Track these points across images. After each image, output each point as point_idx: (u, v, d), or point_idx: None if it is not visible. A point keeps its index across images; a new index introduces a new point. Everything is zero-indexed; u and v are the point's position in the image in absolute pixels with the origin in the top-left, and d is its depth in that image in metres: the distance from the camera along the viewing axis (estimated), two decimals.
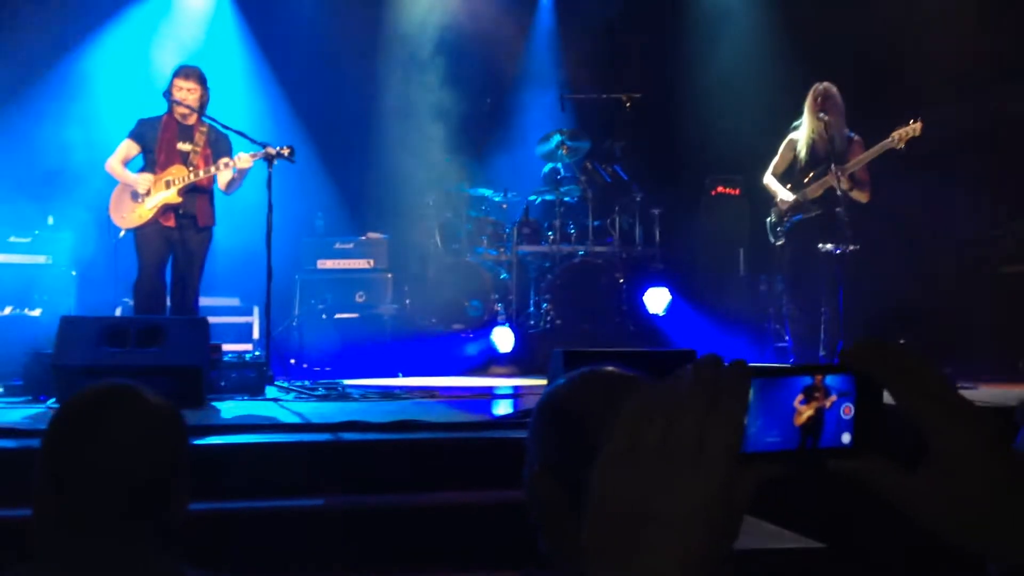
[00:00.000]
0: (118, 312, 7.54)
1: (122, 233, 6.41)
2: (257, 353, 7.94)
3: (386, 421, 3.99)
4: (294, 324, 8.35)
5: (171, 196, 6.23)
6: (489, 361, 7.96)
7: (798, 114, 6.60)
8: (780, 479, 0.67)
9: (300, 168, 7.04)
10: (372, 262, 8.68)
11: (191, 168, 6.27)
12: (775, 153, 6.75)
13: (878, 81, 7.90)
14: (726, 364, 0.65)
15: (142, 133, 6.39)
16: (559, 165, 8.96)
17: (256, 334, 8.62)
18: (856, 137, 6.46)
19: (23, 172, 8.11)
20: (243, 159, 6.14)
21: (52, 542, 1.51)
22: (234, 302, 8.76)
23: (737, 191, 9.27)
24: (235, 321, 8.63)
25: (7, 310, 7.64)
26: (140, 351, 4.86)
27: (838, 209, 6.24)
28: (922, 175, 7.03)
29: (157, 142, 6.32)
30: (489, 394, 6.04)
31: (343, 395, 5.66)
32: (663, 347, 7.31)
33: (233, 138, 6.41)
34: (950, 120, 6.93)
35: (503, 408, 5.33)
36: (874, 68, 8.03)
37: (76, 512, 1.50)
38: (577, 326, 8.07)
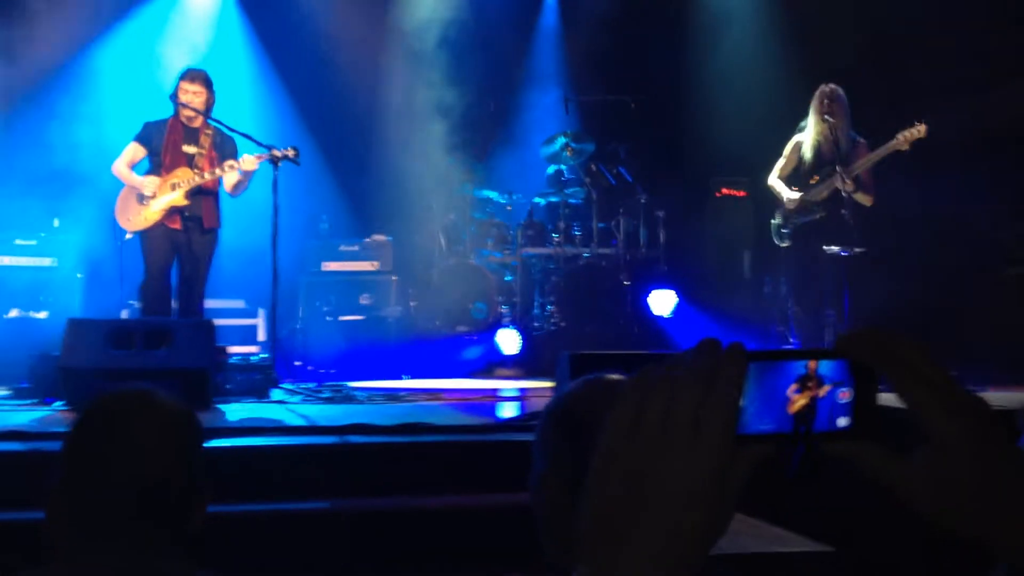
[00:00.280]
0: (124, 315, 7.55)
1: (128, 235, 6.42)
2: (263, 355, 7.94)
3: (392, 424, 4.00)
4: (299, 326, 8.37)
5: (177, 198, 6.24)
6: (494, 363, 7.96)
7: (803, 116, 6.60)
8: (777, 466, 0.68)
9: (305, 170, 7.05)
10: (377, 264, 8.69)
11: (197, 170, 6.28)
12: (780, 155, 6.74)
13: (883, 82, 7.89)
14: (724, 347, 0.67)
15: (148, 136, 6.40)
16: (564, 167, 8.97)
17: (261, 336, 8.63)
18: (861, 140, 6.45)
19: (30, 175, 8.12)
20: (248, 161, 6.15)
21: (67, 546, 1.52)
22: (239, 304, 8.77)
23: (742, 193, 9.26)
24: (240, 323, 8.64)
25: (13, 312, 7.66)
26: (147, 353, 4.87)
27: (843, 211, 6.24)
28: (927, 177, 7.02)
29: (163, 145, 6.33)
30: (494, 396, 6.04)
31: (348, 397, 5.67)
32: (668, 349, 7.30)
33: (238, 140, 6.42)
34: (955, 121, 6.92)
35: (509, 411, 5.33)
36: (879, 69, 8.02)
37: (94, 517, 1.51)
38: (582, 328, 8.07)
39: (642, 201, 8.72)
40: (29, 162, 8.21)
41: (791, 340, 7.07)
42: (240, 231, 7.49)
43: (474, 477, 3.60)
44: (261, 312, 8.64)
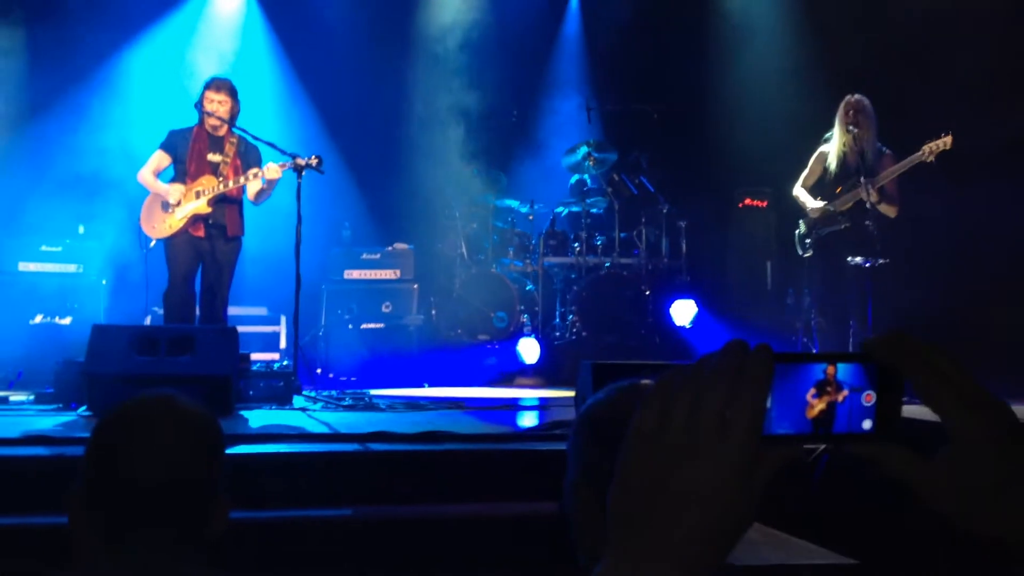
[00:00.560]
0: (148, 321, 7.61)
1: (153, 243, 6.47)
2: (285, 363, 7.98)
3: (413, 432, 4.00)
4: (321, 334, 8.40)
5: (201, 206, 6.29)
6: (515, 372, 7.96)
7: (828, 126, 6.57)
8: (800, 466, 0.69)
9: (328, 179, 7.08)
10: (399, 273, 8.72)
11: (221, 178, 6.33)
12: (803, 165, 6.71)
13: (908, 91, 7.84)
14: (751, 349, 0.68)
15: (173, 144, 6.45)
16: (586, 176, 8.97)
17: (283, 343, 8.67)
18: (887, 151, 6.41)
19: (56, 182, 8.21)
20: (272, 169, 6.18)
21: (90, 551, 1.53)
22: (261, 311, 8.82)
23: (764, 203, 9.23)
24: (262, 330, 8.68)
25: (38, 318, 7.73)
26: (170, 360, 4.90)
27: (867, 222, 6.20)
28: (952, 187, 6.97)
29: (188, 153, 6.38)
30: (515, 405, 6.04)
31: (370, 405, 5.67)
32: (689, 360, 7.27)
33: (262, 149, 6.47)
34: (981, 130, 6.87)
35: (529, 420, 5.32)
36: (904, 78, 7.97)
37: (116, 521, 1.51)
38: (603, 338, 8.06)
39: (664, 211, 8.71)
40: (56, 169, 8.30)
41: (815, 351, 7.02)
42: (263, 239, 7.54)
43: (494, 486, 3.59)
44: (283, 319, 8.68)
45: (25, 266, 7.87)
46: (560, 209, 9.09)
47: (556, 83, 10.52)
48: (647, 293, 8.25)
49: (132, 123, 8.44)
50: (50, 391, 5.49)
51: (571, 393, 5.50)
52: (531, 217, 9.02)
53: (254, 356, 6.74)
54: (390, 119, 9.65)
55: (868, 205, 6.17)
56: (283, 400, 5.55)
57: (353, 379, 7.65)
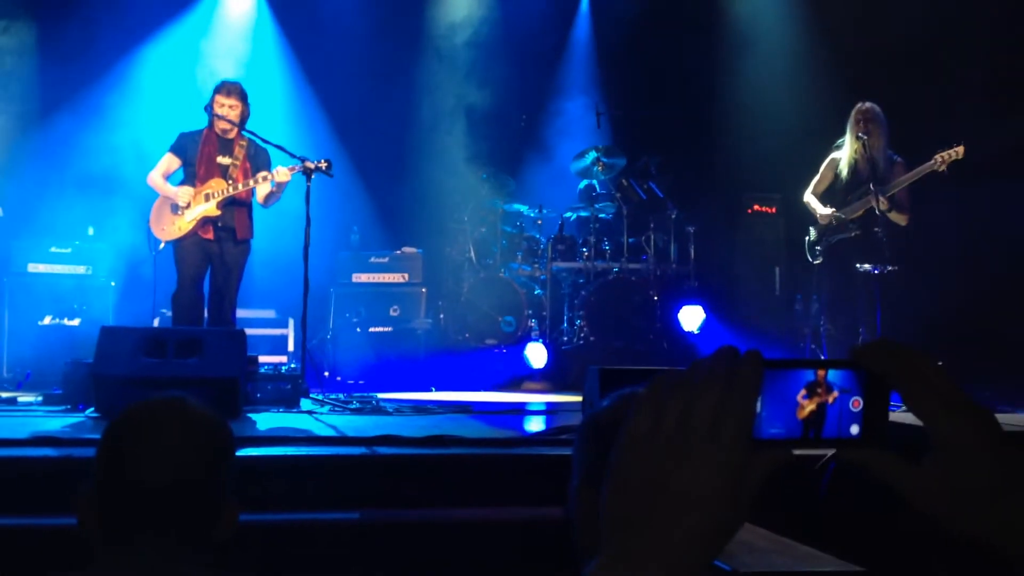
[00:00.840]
0: (156, 323, 7.62)
1: (162, 245, 6.49)
2: (292, 365, 7.99)
3: (420, 436, 4.00)
4: (329, 337, 8.41)
5: (210, 209, 6.31)
6: (522, 377, 7.95)
7: (837, 132, 6.56)
8: (790, 468, 0.70)
9: (337, 182, 7.10)
10: (407, 276, 8.72)
11: (230, 181, 6.34)
12: (812, 171, 6.70)
13: (917, 97, 7.82)
14: (742, 355, 0.70)
15: (183, 147, 6.47)
16: (594, 181, 8.97)
17: (291, 346, 8.68)
18: (899, 159, 6.39)
19: (65, 184, 8.24)
20: (281, 173, 6.20)
21: (99, 552, 1.53)
22: (270, 314, 8.83)
23: (773, 209, 9.21)
24: (270, 333, 8.70)
25: (47, 320, 7.76)
26: (178, 362, 4.90)
27: (876, 229, 6.19)
28: (963, 194, 6.95)
29: (197, 155, 6.40)
30: (522, 410, 6.04)
31: (377, 409, 5.67)
32: None
33: (272, 152, 6.48)
34: (989, 136, 6.85)
35: (536, 424, 5.32)
36: (913, 84, 7.95)
37: (124, 523, 1.52)
38: (611, 343, 8.05)
39: (673, 216, 8.70)
40: (65, 171, 8.33)
41: (823, 358, 6.99)
42: (272, 242, 7.55)
43: (501, 490, 3.59)
44: (291, 322, 8.70)
45: (34, 267, 7.89)
46: (569, 214, 9.09)
47: (565, 87, 10.52)
48: (655, 298, 8.25)
49: (143, 125, 8.46)
50: (58, 392, 5.51)
51: (578, 398, 5.51)
52: (539, 222, 9.02)
53: (262, 359, 6.75)
54: (399, 123, 9.66)
55: (878, 213, 6.15)
56: (290, 403, 5.56)
57: (360, 382, 7.65)
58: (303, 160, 6.10)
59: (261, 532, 3.07)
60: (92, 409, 4.94)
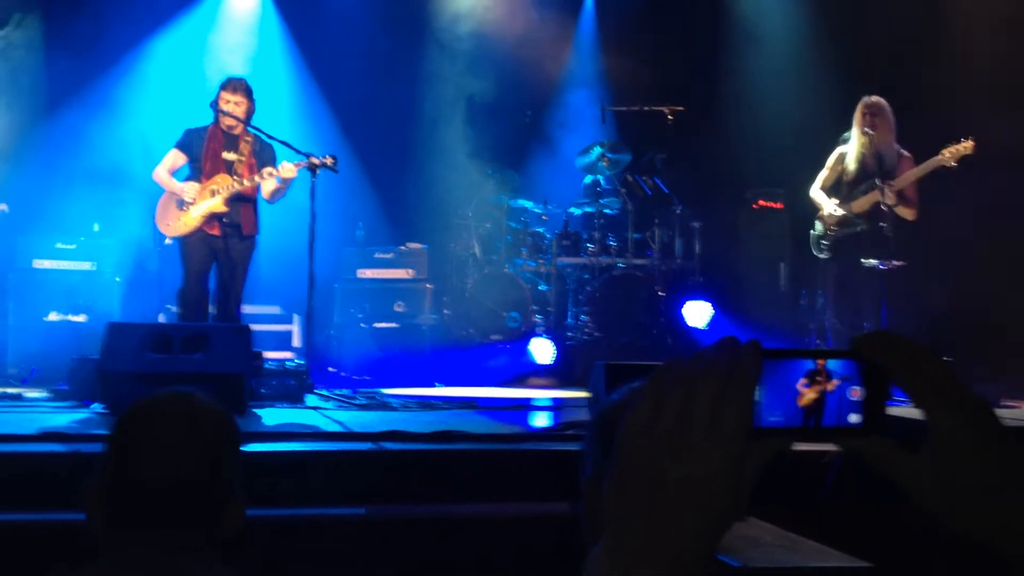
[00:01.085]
0: (161, 319, 7.63)
1: (168, 241, 6.50)
2: (298, 361, 7.99)
3: (426, 431, 4.00)
4: (334, 333, 8.41)
5: (216, 205, 6.31)
6: (528, 373, 7.95)
7: (843, 126, 6.54)
8: (788, 456, 0.70)
9: (342, 178, 7.08)
10: (412, 272, 8.72)
11: (236, 177, 6.35)
12: (817, 166, 6.69)
13: (922, 92, 7.80)
14: (742, 345, 0.70)
15: (189, 143, 6.48)
16: (600, 177, 8.96)
17: (297, 342, 8.69)
18: (906, 153, 6.37)
19: (71, 180, 8.24)
20: (287, 168, 6.20)
21: (107, 548, 1.53)
22: (275, 310, 8.84)
23: (779, 205, 9.19)
24: (276, 329, 8.70)
25: (53, 316, 7.77)
26: (184, 358, 4.91)
27: (883, 224, 6.17)
28: (969, 189, 6.93)
29: (203, 151, 6.41)
30: (528, 406, 6.04)
31: (382, 404, 5.68)
32: None
33: (277, 148, 6.48)
34: (995, 130, 6.83)
35: (542, 420, 5.32)
36: (918, 79, 7.93)
37: (131, 518, 1.52)
38: (616, 339, 8.04)
39: (678, 212, 8.69)
40: (71, 166, 8.33)
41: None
42: (277, 237, 7.55)
43: (507, 485, 3.59)
44: (296, 318, 8.70)
45: (40, 263, 7.90)
46: (574, 209, 9.08)
47: (570, 83, 10.51)
48: (660, 294, 8.24)
49: (149, 120, 8.46)
50: (64, 388, 5.52)
51: (584, 394, 5.50)
52: (544, 217, 9.00)
53: (267, 354, 6.75)
54: (404, 118, 9.66)
55: (885, 207, 6.14)
56: (296, 398, 5.57)
57: (366, 378, 7.65)
58: (308, 156, 6.10)
59: (267, 527, 3.08)
60: (98, 405, 4.95)
